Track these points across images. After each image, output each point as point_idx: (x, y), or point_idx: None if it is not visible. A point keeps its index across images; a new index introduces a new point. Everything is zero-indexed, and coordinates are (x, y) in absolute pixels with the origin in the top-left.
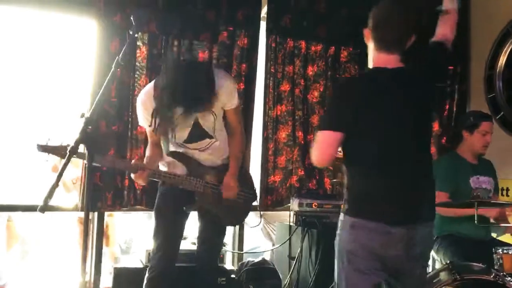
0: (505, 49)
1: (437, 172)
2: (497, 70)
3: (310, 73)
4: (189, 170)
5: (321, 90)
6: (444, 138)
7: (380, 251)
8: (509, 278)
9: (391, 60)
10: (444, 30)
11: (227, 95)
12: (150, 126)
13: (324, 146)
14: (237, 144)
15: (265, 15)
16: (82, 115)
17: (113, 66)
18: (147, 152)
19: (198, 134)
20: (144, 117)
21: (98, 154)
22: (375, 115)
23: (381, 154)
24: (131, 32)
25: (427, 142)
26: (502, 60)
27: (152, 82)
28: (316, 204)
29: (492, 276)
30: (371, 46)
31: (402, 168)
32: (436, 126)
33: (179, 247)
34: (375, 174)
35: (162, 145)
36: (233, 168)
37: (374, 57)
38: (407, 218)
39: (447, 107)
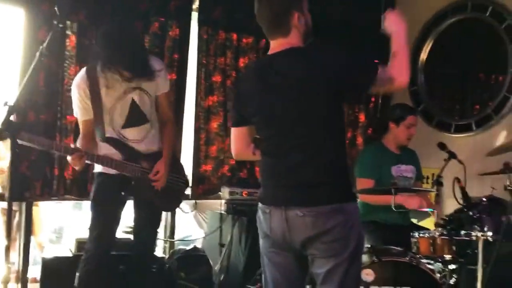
0: (426, 45)
1: (362, 160)
2: (419, 65)
3: (242, 65)
4: (125, 156)
5: None
6: (370, 128)
7: (265, 230)
8: (425, 260)
9: (275, 46)
10: (390, 73)
11: (161, 79)
12: (86, 109)
13: (233, 141)
14: (170, 131)
15: (197, 7)
16: (5, 104)
17: (37, 55)
18: (79, 143)
19: (136, 116)
20: (80, 103)
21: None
22: (258, 104)
23: (266, 141)
24: (55, 22)
25: (317, 128)
26: (424, 55)
27: (84, 69)
28: (246, 192)
29: (407, 258)
30: None
31: (281, 154)
32: (362, 118)
33: (115, 234)
34: (263, 160)
35: (96, 133)
36: (165, 155)
37: None
38: (280, 201)
39: (373, 99)
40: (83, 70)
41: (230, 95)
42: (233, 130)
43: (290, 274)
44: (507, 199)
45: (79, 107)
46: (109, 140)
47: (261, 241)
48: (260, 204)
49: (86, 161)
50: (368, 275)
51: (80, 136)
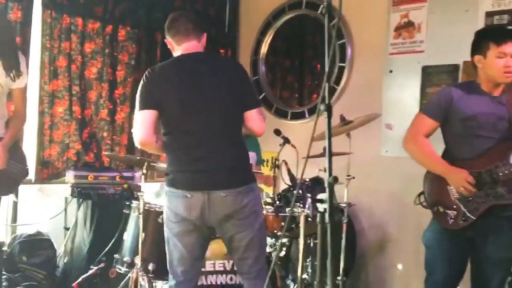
0: (267, 37)
1: None
2: (260, 56)
3: (88, 50)
4: None
5: (99, 67)
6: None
7: (185, 214)
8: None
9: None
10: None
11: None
12: None
13: (142, 125)
14: (16, 124)
15: None
16: None
17: None
18: None
19: None
20: None
21: None
22: (173, 93)
23: (179, 128)
24: None
25: (232, 116)
26: (264, 48)
27: None
28: (92, 176)
29: None
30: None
31: (200, 140)
32: None
33: None
34: (177, 146)
35: None
36: (6, 140)
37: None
38: (201, 185)
39: None
40: None
41: (143, 81)
42: (144, 113)
43: (195, 251)
44: None
45: None
46: None
47: (172, 225)
48: (174, 189)
49: None
50: None
51: None
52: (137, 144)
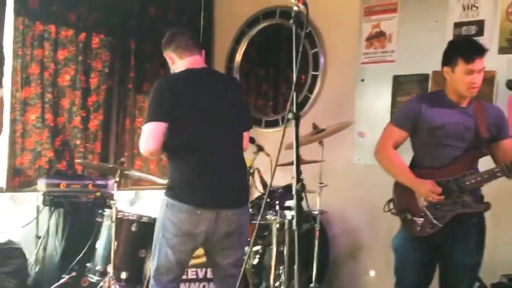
0: (241, 46)
1: None
2: (235, 65)
3: (61, 57)
4: None
5: (72, 74)
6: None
7: (190, 229)
8: None
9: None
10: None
11: None
12: None
13: (154, 136)
14: None
15: None
16: None
17: None
18: None
19: None
20: None
21: None
22: (190, 106)
23: (194, 143)
24: None
25: (237, 135)
26: (239, 57)
27: None
28: (64, 184)
29: None
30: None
31: (211, 157)
32: None
33: None
34: (187, 161)
35: None
36: None
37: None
38: (212, 203)
39: None
40: None
41: (157, 91)
42: (157, 125)
43: (185, 263)
44: None
45: None
46: None
47: (170, 237)
48: (181, 204)
49: None
50: None
51: None
52: (145, 153)
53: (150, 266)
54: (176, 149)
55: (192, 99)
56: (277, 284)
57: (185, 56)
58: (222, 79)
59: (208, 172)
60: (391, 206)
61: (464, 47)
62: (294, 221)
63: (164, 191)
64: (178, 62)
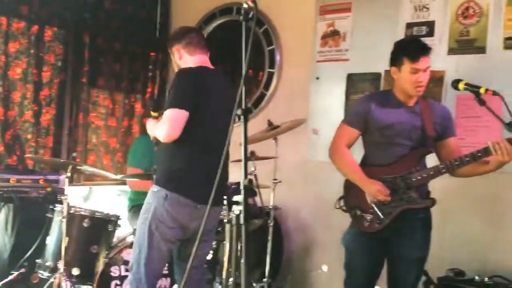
0: None
1: (135, 150)
2: None
3: (12, 49)
4: None
5: (24, 67)
6: (146, 118)
7: (186, 223)
8: None
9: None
10: None
11: None
12: None
13: (177, 123)
14: None
15: None
16: None
17: None
18: None
19: None
20: None
21: None
22: (208, 102)
23: (206, 139)
24: None
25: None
26: None
27: None
28: (14, 179)
29: None
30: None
31: (214, 154)
32: (138, 107)
33: None
34: (194, 155)
35: None
36: None
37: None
38: (208, 199)
39: (149, 90)
40: None
41: (185, 79)
42: (182, 113)
43: (170, 256)
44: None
45: None
46: None
47: (165, 230)
48: (181, 197)
49: None
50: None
51: None
52: (164, 139)
53: (132, 262)
54: (186, 142)
55: (211, 95)
56: (230, 279)
57: (195, 53)
58: (229, 82)
59: (210, 169)
60: (342, 203)
61: (409, 46)
62: (242, 216)
63: (159, 182)
64: (187, 58)
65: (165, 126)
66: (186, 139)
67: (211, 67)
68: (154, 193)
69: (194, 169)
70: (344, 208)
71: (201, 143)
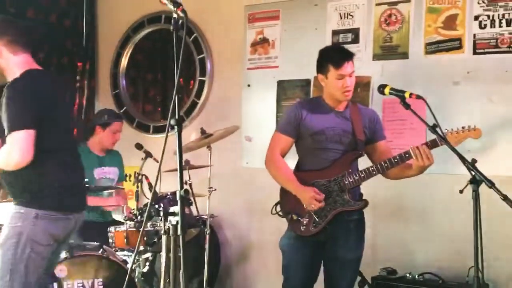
0: (127, 51)
1: None
2: (120, 70)
3: None
4: None
5: None
6: (75, 129)
7: (62, 235)
8: (121, 252)
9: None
10: None
11: None
12: None
13: (27, 145)
14: None
15: None
16: None
17: None
18: None
19: None
20: None
21: None
22: (51, 107)
23: (56, 149)
24: None
25: None
26: (125, 60)
27: None
28: None
29: (99, 252)
30: None
31: (71, 159)
32: None
33: None
34: (54, 166)
35: None
36: None
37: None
38: (77, 207)
39: (77, 101)
40: None
41: (19, 95)
42: (29, 133)
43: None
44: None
45: None
46: None
47: (45, 248)
48: (55, 213)
49: None
50: (61, 271)
51: None
52: (17, 167)
53: None
54: (40, 155)
55: (51, 100)
56: None
57: (20, 52)
58: (60, 82)
59: (71, 175)
60: (278, 208)
61: (332, 54)
62: (179, 226)
63: (23, 202)
64: (10, 58)
65: (14, 153)
66: (41, 151)
67: (39, 68)
68: (20, 214)
69: (54, 181)
70: (280, 213)
71: (54, 152)
